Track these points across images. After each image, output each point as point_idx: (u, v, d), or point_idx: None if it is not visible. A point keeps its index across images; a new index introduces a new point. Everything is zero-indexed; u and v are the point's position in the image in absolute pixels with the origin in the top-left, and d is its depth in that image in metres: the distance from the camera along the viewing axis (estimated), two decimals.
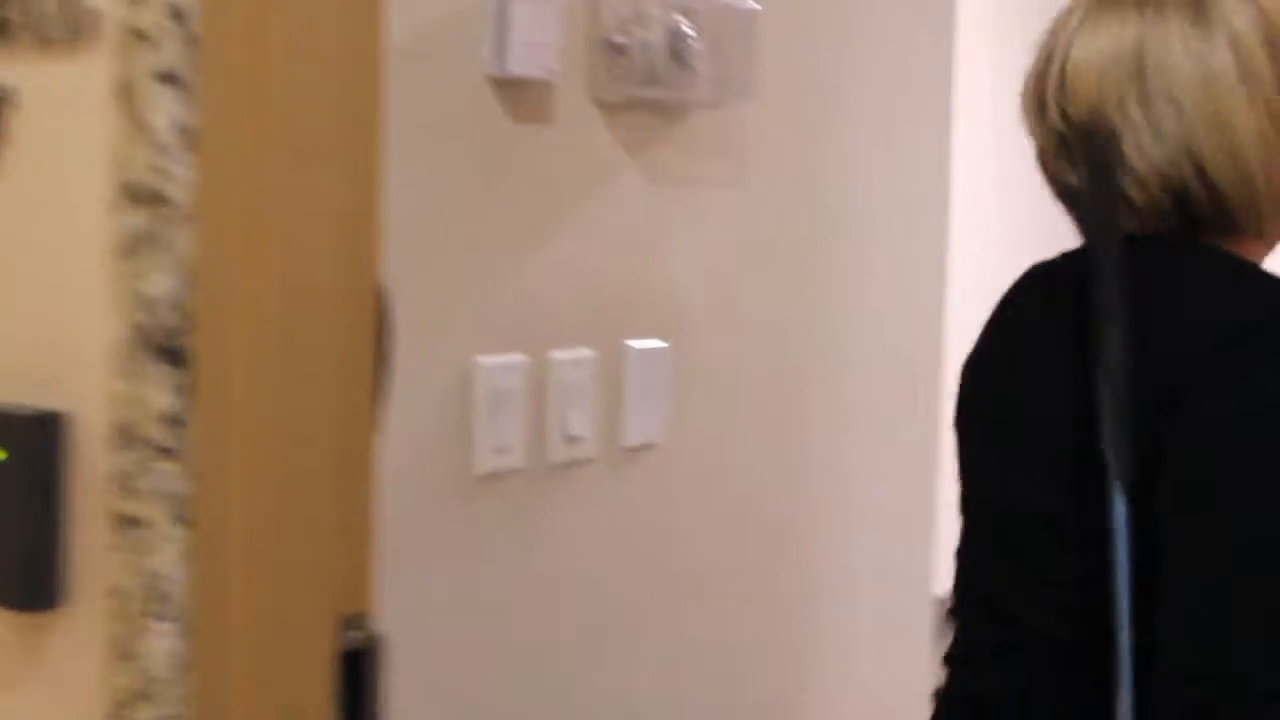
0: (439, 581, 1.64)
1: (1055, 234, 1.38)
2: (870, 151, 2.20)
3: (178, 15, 0.96)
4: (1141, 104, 1.30)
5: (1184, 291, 1.29)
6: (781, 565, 2.12)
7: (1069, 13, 1.37)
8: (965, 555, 1.45)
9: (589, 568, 1.82)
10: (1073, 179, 1.36)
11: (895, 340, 2.29)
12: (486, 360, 1.67)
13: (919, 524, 2.38)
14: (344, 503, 1.07)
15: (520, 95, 1.68)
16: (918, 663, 2.37)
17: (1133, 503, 1.20)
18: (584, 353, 1.78)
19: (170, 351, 0.97)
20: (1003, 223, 5.41)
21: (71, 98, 1.00)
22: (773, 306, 2.05)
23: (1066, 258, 1.39)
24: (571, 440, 1.77)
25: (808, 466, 2.15)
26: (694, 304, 1.93)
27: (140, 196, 0.98)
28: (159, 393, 0.98)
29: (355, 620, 1.06)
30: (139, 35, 0.97)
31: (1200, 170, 1.29)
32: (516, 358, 1.70)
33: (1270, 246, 1.38)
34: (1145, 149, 1.30)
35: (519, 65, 1.65)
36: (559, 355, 1.75)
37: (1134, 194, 1.31)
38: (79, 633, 1.02)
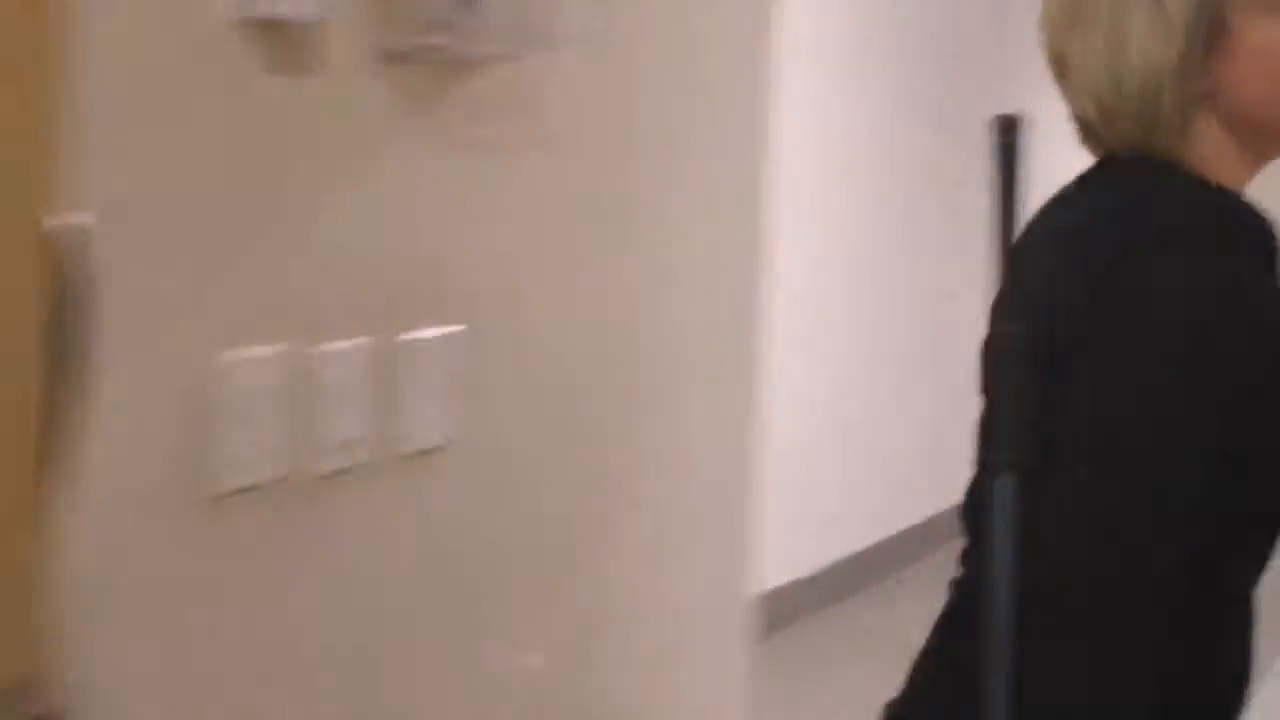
0: (169, 623, 1.41)
1: (879, 199, 1.29)
2: (685, 110, 2.06)
3: None
4: (1077, 25, 1.32)
5: (1100, 214, 1.28)
6: (587, 580, 1.95)
7: None
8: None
9: (362, 593, 1.61)
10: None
11: (715, 319, 2.18)
12: (235, 355, 1.43)
13: (737, 524, 2.28)
14: (4, 539, 0.86)
15: (276, 41, 1.47)
16: (733, 668, 2.22)
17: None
18: (357, 343, 1.57)
19: None
20: (825, 187, 5.39)
21: None
22: (578, 286, 1.89)
23: (1080, 180, 1.38)
24: (342, 446, 1.55)
25: (620, 467, 1.99)
26: (488, 287, 1.74)
27: None
28: None
29: (24, 690, 0.88)
30: None
31: (1095, 98, 1.32)
32: (273, 351, 1.47)
33: (1238, 159, 1.33)
34: (1076, 70, 1.33)
35: (273, 4, 1.44)
36: (327, 348, 1.54)
37: (1081, 115, 1.34)
38: None
